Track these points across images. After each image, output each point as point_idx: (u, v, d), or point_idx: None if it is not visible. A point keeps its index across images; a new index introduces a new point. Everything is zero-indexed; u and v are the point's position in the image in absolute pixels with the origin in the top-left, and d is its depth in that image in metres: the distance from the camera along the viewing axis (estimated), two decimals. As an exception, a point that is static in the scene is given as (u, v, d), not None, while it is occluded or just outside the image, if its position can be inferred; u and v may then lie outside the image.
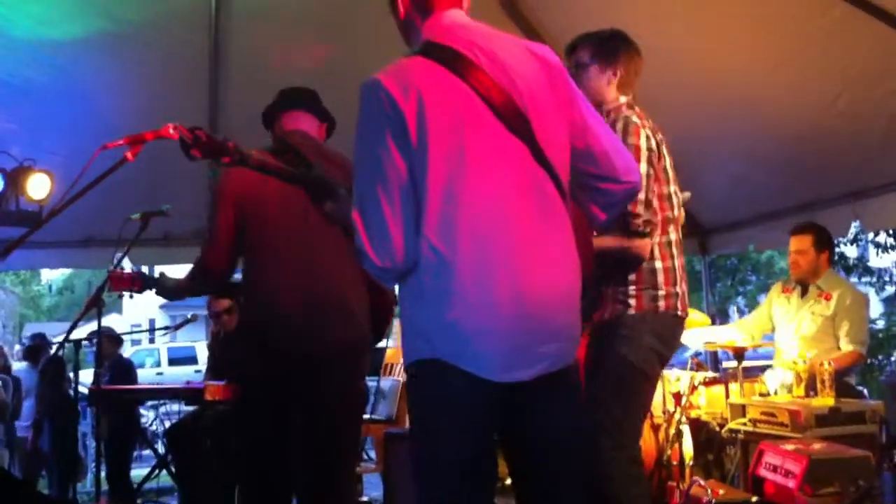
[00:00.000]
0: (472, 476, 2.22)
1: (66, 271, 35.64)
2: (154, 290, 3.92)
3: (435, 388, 2.20)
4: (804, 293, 5.45)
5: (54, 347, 9.06)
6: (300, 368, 3.38)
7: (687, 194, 3.65)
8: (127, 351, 13.04)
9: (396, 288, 2.38)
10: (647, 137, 3.29)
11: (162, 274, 4.03)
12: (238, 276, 3.70)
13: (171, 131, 3.09)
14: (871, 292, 16.49)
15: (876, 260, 16.81)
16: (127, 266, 4.59)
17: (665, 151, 3.41)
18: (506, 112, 2.21)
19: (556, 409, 2.28)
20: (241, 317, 3.62)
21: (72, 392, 6.56)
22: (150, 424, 11.71)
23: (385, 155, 2.15)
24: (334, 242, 3.29)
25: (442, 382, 2.17)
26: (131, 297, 4.10)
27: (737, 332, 5.69)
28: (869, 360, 5.38)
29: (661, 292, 3.33)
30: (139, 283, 3.90)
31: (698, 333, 5.52)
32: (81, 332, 5.46)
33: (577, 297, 2.32)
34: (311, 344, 3.37)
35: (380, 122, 2.17)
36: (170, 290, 3.91)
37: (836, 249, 6.46)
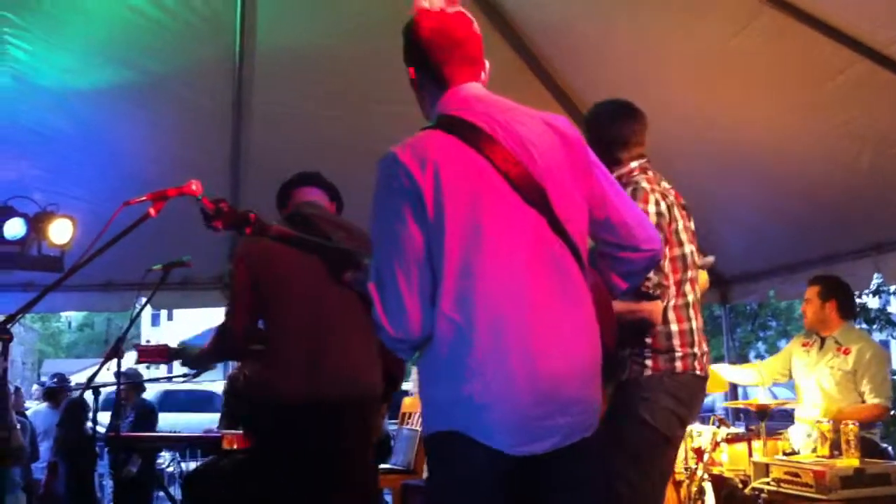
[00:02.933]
0: None
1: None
2: (180, 362, 4.14)
3: (451, 460, 2.20)
4: (822, 346, 5.39)
5: (76, 392, 9.08)
6: (308, 421, 3.48)
7: (710, 259, 3.62)
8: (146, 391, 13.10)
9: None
10: (657, 202, 3.29)
11: (183, 346, 4.23)
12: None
13: (194, 188, 3.15)
14: (893, 344, 16.36)
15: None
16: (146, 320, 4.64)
17: (678, 214, 3.39)
18: (522, 184, 2.22)
19: (573, 482, 2.25)
20: (252, 375, 3.74)
21: (91, 434, 6.58)
22: (167, 466, 11.68)
23: (402, 228, 2.17)
24: (349, 307, 3.48)
25: (458, 454, 2.17)
26: (157, 367, 4.24)
27: (751, 372, 5.66)
28: (893, 412, 5.35)
29: (678, 353, 3.29)
30: (165, 354, 4.12)
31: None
32: (103, 374, 5.47)
33: (596, 369, 2.30)
34: (315, 397, 3.49)
35: (397, 196, 2.19)
36: (193, 359, 4.12)
37: (858, 300, 6.34)
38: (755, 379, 5.65)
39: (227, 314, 3.73)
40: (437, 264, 2.17)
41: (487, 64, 2.48)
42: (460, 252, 2.15)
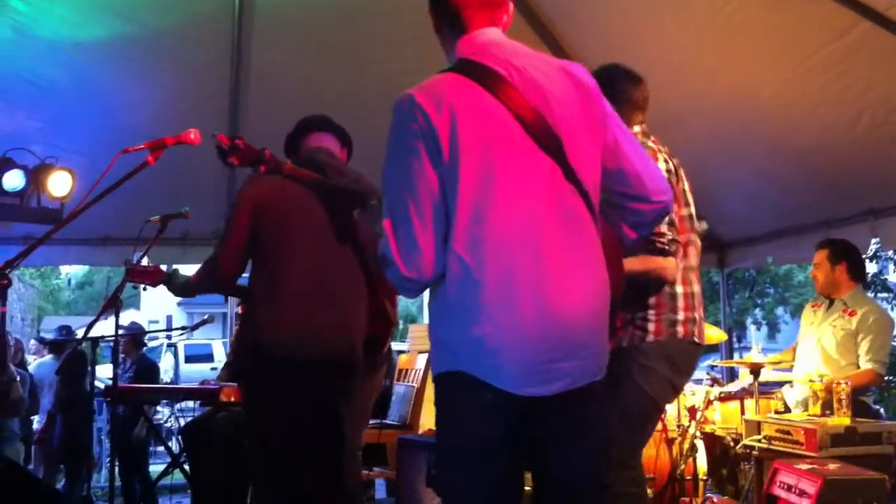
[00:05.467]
0: (494, 485, 2.27)
1: (86, 266, 35.87)
2: (166, 286, 4.06)
3: (458, 399, 2.24)
4: (830, 307, 5.40)
5: (74, 344, 9.10)
6: (296, 374, 3.47)
7: (704, 225, 3.63)
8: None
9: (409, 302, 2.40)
10: (666, 160, 3.34)
11: (175, 270, 4.14)
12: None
13: (192, 136, 3.16)
14: (889, 308, 16.40)
15: (894, 276, 16.74)
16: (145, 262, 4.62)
17: (682, 175, 3.42)
18: (537, 129, 2.23)
19: (580, 424, 2.29)
20: (243, 322, 3.71)
21: (88, 388, 6.62)
22: (165, 421, 11.75)
23: (418, 168, 2.19)
24: (347, 260, 3.53)
25: (466, 394, 2.21)
26: (144, 289, 4.23)
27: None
28: (887, 378, 5.37)
29: (680, 317, 3.30)
30: (155, 276, 4.12)
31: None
32: (102, 328, 5.46)
33: (605, 315, 2.32)
34: (307, 352, 3.48)
35: (413, 136, 2.20)
36: (180, 288, 4.04)
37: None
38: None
39: (217, 250, 3.66)
40: (450, 205, 2.19)
41: (511, 6, 2.50)
42: (473, 194, 2.17)
